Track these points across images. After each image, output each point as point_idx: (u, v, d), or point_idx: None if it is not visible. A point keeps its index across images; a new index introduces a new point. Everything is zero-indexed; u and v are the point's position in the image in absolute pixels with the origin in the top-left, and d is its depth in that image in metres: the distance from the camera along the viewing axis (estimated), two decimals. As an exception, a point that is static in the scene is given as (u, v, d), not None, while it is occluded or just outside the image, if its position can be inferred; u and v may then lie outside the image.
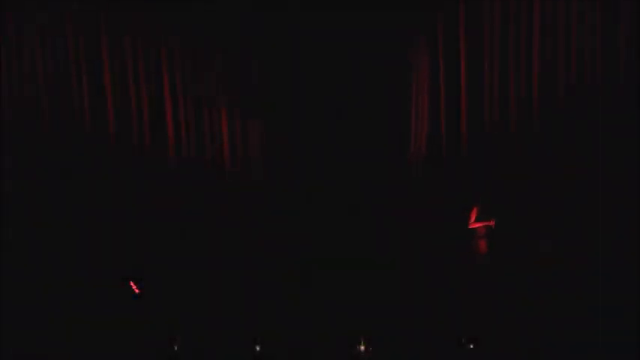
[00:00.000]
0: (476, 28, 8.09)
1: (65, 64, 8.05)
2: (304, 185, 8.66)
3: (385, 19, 8.36)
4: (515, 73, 7.95)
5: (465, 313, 7.35)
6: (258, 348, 7.09)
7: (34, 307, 7.53)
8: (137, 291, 7.66)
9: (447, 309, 7.52)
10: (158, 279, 7.90)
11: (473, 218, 7.65)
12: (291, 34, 8.55)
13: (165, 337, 7.08)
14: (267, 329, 7.32)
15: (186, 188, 8.43)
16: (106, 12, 8.11)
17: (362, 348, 6.94)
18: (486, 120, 8.11)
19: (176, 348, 7.06)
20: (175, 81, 8.45)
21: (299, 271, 8.25)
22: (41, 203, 7.88)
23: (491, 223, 7.63)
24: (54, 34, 7.97)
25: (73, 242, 7.88)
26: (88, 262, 7.87)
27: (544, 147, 7.78)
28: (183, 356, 7.03)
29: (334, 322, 7.47)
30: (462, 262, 7.82)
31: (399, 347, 7.01)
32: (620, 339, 6.49)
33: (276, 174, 8.76)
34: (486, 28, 8.04)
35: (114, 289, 7.72)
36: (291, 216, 8.55)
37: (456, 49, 8.20)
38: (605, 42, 7.42)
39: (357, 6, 8.36)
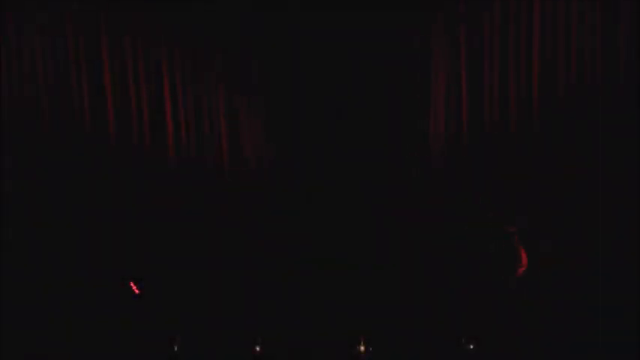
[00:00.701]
0: (476, 28, 8.10)
1: (65, 64, 8.04)
2: (304, 185, 8.67)
3: (385, 19, 8.37)
4: (515, 73, 7.95)
5: (465, 313, 7.35)
6: (258, 348, 7.09)
7: (34, 307, 7.54)
8: (137, 291, 7.67)
9: (447, 309, 7.53)
10: (158, 279, 7.90)
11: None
12: (291, 34, 8.55)
13: (166, 337, 7.08)
14: (267, 329, 7.33)
15: (186, 188, 8.43)
16: (106, 12, 8.11)
17: (362, 348, 6.94)
18: (486, 120, 8.12)
19: (176, 348, 7.06)
20: (175, 81, 8.45)
21: (299, 271, 8.25)
22: (41, 203, 7.87)
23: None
24: (54, 34, 7.96)
25: (73, 242, 7.88)
26: (88, 262, 7.87)
27: (544, 147, 7.78)
28: (183, 356, 7.03)
29: (334, 322, 7.48)
30: (462, 262, 7.82)
31: (399, 347, 7.02)
32: (620, 339, 6.50)
33: (276, 174, 8.77)
34: (486, 28, 8.04)
35: (114, 289, 7.73)
36: (291, 216, 8.56)
37: (455, 49, 8.21)
38: (605, 42, 7.42)
39: (357, 6, 8.37)
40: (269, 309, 7.84)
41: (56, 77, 8.02)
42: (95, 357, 7.21)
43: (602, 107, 7.43)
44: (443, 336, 7.00)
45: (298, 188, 8.67)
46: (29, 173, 7.88)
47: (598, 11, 7.44)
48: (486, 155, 8.10)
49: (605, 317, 6.71)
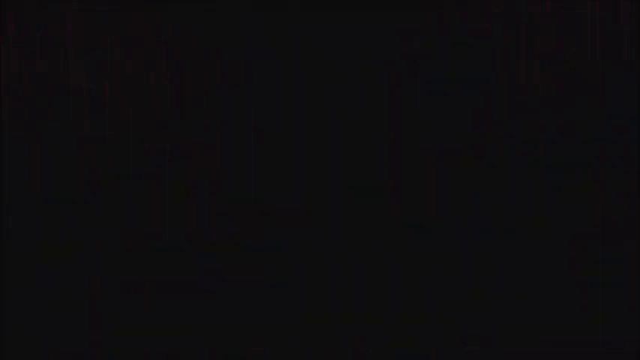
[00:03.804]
0: (476, 28, 8.10)
1: (65, 64, 8.06)
2: (304, 186, 8.67)
3: (385, 19, 8.38)
4: (515, 72, 7.96)
5: (465, 313, 7.36)
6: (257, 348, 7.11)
7: (34, 307, 7.55)
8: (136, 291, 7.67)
9: (447, 309, 7.54)
10: (158, 279, 7.91)
11: None
12: (291, 34, 8.56)
13: (165, 337, 7.10)
14: (267, 329, 7.34)
15: (187, 189, 8.44)
16: (106, 12, 8.13)
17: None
18: (487, 119, 8.12)
19: (176, 348, 7.07)
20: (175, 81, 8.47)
21: (299, 271, 8.26)
22: (41, 203, 7.89)
23: None
24: (54, 34, 7.98)
25: (73, 243, 7.90)
26: (88, 263, 7.88)
27: (544, 147, 7.79)
28: (183, 356, 7.05)
29: (334, 321, 7.49)
30: (462, 262, 7.83)
31: (399, 347, 7.03)
32: (620, 339, 6.51)
33: (275, 174, 8.77)
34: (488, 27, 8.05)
35: (113, 289, 7.73)
36: (290, 217, 8.56)
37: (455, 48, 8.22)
38: (605, 42, 7.43)
39: (357, 6, 8.37)
40: (269, 309, 7.85)
41: (56, 77, 8.04)
42: (95, 357, 7.23)
43: (602, 107, 7.44)
44: (443, 336, 7.02)
45: (298, 189, 8.67)
46: (29, 173, 7.90)
47: (598, 11, 7.46)
48: (486, 156, 8.10)
49: (605, 317, 6.72)
